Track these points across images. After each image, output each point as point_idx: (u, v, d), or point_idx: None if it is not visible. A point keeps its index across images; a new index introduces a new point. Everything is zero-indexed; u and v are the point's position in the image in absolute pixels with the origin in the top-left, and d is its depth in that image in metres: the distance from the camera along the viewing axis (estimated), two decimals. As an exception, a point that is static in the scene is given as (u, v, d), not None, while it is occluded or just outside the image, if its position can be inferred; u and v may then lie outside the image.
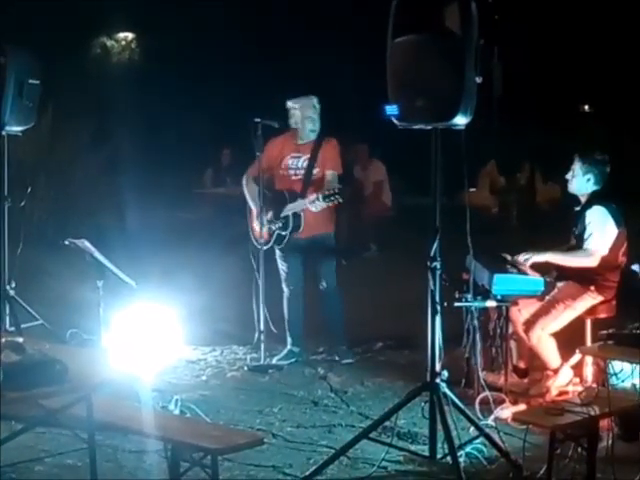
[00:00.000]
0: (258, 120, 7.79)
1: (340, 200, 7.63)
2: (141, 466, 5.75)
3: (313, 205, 7.70)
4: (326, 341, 8.42)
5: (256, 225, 8.05)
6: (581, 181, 7.25)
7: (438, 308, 5.86)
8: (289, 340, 8.19)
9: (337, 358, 8.17)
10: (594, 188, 7.24)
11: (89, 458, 5.09)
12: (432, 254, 5.84)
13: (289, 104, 8.08)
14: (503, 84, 13.76)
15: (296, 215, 7.90)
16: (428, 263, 5.85)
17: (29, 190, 8.81)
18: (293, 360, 8.11)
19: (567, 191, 7.44)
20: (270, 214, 8.01)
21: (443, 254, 5.88)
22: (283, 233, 7.97)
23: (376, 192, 13.94)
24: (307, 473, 5.73)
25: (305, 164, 8.02)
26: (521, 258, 7.14)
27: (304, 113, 8.01)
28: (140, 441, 5.57)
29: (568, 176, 7.33)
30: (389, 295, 10.21)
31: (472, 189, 12.48)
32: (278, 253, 8.16)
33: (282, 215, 7.95)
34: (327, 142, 8.08)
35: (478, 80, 5.64)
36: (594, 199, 7.21)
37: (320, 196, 7.63)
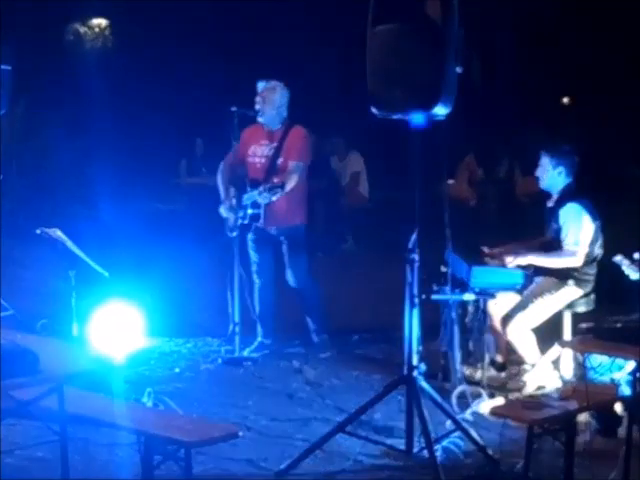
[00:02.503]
0: (234, 109, 7.71)
1: (280, 193, 7.49)
2: (113, 459, 5.69)
3: (261, 197, 7.61)
4: (301, 334, 8.37)
5: (225, 212, 7.99)
6: (553, 175, 7.23)
7: (416, 301, 5.82)
8: (260, 332, 8.12)
9: (314, 351, 8.12)
10: (566, 181, 7.22)
11: (60, 451, 5.00)
12: (410, 246, 5.79)
13: (258, 88, 7.99)
14: (482, 75, 13.74)
15: (255, 205, 7.80)
16: (406, 255, 5.81)
17: (1, 178, 8.72)
18: (265, 352, 8.05)
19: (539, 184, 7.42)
20: (234, 202, 7.94)
21: (421, 246, 5.83)
22: (244, 222, 7.89)
23: (353, 183, 13.89)
24: (282, 467, 5.68)
25: (271, 152, 7.93)
26: (506, 261, 7.11)
27: (268, 97, 7.91)
28: (112, 434, 5.50)
29: (538, 173, 7.31)
30: (366, 287, 10.17)
31: (451, 181, 12.46)
32: (250, 244, 8.09)
33: (242, 204, 7.88)
34: (294, 131, 7.95)
35: (459, 70, 5.58)
36: (567, 195, 7.20)
37: (266, 187, 7.54)
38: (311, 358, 7.99)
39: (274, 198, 7.51)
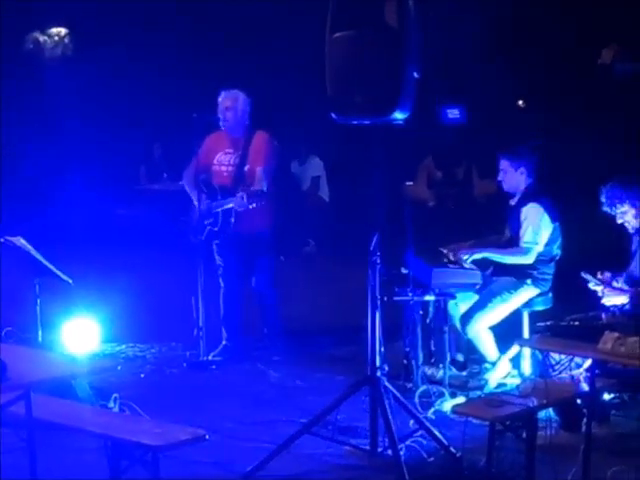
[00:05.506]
0: (195, 115, 7.76)
1: (262, 202, 7.54)
2: (81, 465, 5.70)
3: (237, 204, 7.66)
4: (264, 337, 8.42)
5: (194, 219, 8.04)
6: (514, 176, 7.33)
7: (378, 302, 5.89)
8: (224, 335, 8.17)
9: (268, 353, 8.18)
10: (528, 181, 7.33)
11: (29, 457, 5.02)
12: (372, 248, 5.86)
13: (220, 97, 8.05)
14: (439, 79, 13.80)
15: (226, 212, 7.86)
16: (368, 257, 5.87)
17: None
18: (230, 355, 8.09)
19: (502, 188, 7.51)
20: (205, 209, 7.98)
21: (382, 248, 5.90)
22: (214, 229, 7.94)
23: (313, 187, 13.94)
24: (249, 469, 5.73)
25: (237, 160, 8.00)
26: (461, 256, 7.20)
27: (230, 106, 7.97)
28: (80, 439, 5.51)
29: (500, 177, 7.41)
30: (328, 289, 10.21)
31: (409, 183, 12.53)
32: (215, 248, 8.13)
33: (213, 211, 7.92)
34: (257, 137, 8.03)
35: (416, 75, 5.66)
36: (529, 195, 7.30)
37: (244, 196, 7.58)
38: (275, 361, 8.04)
39: (253, 205, 7.54)
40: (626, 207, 6.80)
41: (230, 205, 7.74)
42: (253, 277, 8.14)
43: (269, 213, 8.06)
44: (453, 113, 10.89)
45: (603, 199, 6.85)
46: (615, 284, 6.86)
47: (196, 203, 8.01)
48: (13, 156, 13.62)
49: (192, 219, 8.10)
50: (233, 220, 7.82)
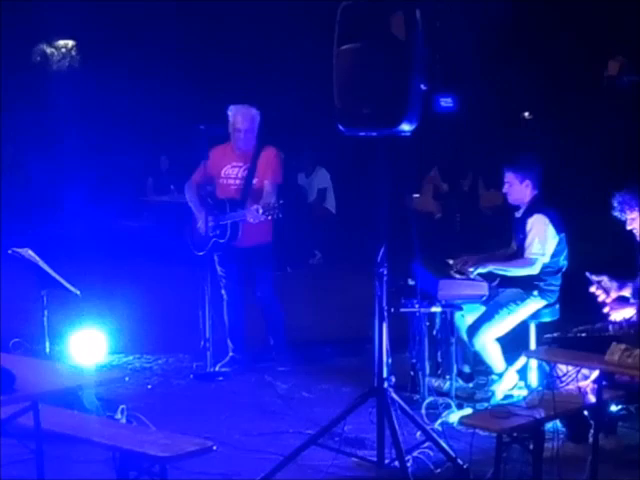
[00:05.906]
0: (203, 127, 7.79)
1: (279, 215, 7.60)
2: (89, 476, 5.70)
3: (251, 216, 7.68)
4: (271, 348, 8.43)
5: (199, 230, 8.05)
6: (520, 189, 7.33)
7: (385, 314, 5.89)
8: (230, 346, 8.19)
9: (273, 365, 8.19)
10: (534, 192, 7.33)
11: (36, 469, 5.03)
12: (379, 260, 5.87)
13: (229, 111, 8.08)
14: (445, 91, 13.83)
15: (234, 224, 7.88)
16: (375, 269, 5.88)
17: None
18: (236, 367, 8.11)
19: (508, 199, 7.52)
20: (211, 221, 8.00)
21: (389, 260, 5.91)
22: (220, 241, 7.96)
23: (320, 199, 13.97)
24: (256, 480, 5.73)
25: (245, 173, 8.02)
26: (467, 268, 7.21)
27: (241, 121, 8.01)
28: (88, 450, 5.52)
29: (505, 190, 7.41)
30: (335, 301, 10.22)
31: (416, 195, 12.57)
32: (216, 259, 8.15)
33: (221, 223, 7.94)
34: (266, 151, 8.06)
35: (423, 87, 5.68)
36: (534, 206, 7.30)
37: (260, 208, 7.60)
38: (282, 372, 8.05)
39: (269, 218, 7.57)
40: (635, 214, 6.82)
41: (241, 217, 7.76)
42: (256, 288, 8.16)
43: (270, 226, 8.07)
44: (446, 101, 10.95)
45: (615, 204, 6.87)
46: (616, 293, 6.87)
47: (198, 215, 8.03)
48: (20, 167, 13.67)
49: (194, 231, 8.12)
50: (239, 233, 7.85)
